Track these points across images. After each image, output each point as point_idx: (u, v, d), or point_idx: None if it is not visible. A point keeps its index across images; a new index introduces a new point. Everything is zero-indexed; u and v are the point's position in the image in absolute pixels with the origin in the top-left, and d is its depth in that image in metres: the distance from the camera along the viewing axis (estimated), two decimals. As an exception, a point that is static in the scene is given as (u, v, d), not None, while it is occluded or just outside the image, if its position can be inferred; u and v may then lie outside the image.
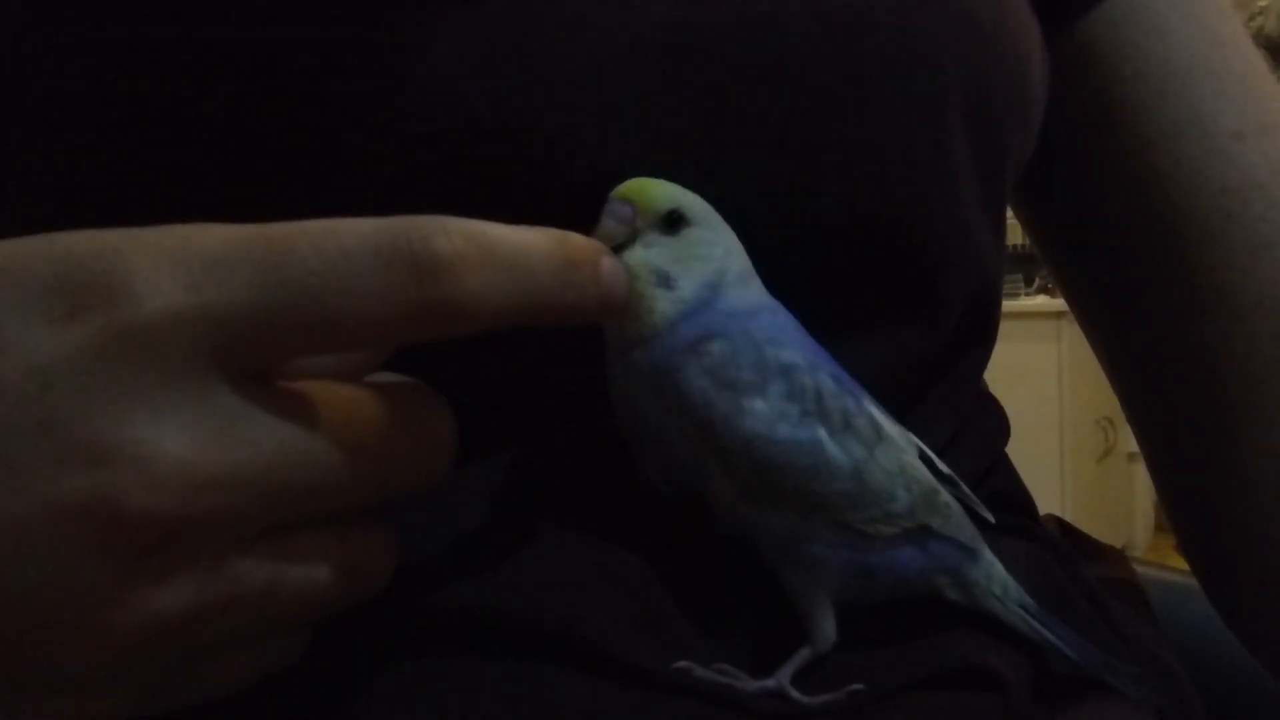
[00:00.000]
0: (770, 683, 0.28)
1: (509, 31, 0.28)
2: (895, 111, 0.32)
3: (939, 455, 0.31)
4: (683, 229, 0.28)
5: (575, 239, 0.25)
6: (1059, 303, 2.44)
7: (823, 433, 0.28)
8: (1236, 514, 0.41)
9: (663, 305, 0.28)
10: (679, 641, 0.28)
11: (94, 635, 0.21)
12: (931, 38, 0.32)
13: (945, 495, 0.30)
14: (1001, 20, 0.35)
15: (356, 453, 0.23)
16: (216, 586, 0.22)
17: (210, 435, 0.21)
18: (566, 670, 0.27)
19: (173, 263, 0.21)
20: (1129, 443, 2.78)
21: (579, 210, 0.27)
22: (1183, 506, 0.45)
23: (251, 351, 0.22)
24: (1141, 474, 2.86)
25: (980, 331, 0.39)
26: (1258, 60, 0.43)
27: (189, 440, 0.21)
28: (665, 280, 0.28)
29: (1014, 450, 0.43)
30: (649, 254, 0.28)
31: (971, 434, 0.38)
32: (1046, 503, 0.44)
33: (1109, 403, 2.17)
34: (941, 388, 0.37)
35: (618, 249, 0.28)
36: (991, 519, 0.32)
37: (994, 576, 0.31)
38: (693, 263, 0.28)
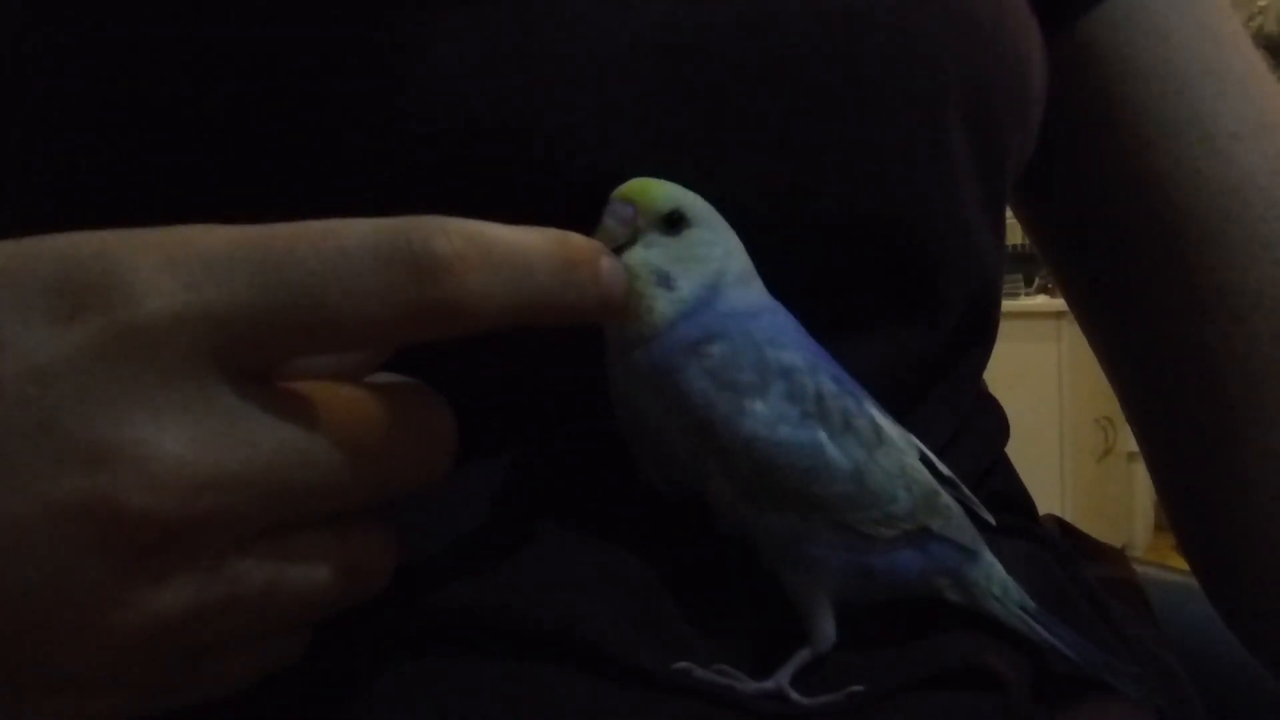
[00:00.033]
0: (769, 684, 0.28)
1: (509, 31, 0.28)
2: (895, 111, 0.32)
3: (939, 455, 0.31)
4: (683, 229, 0.28)
5: (575, 239, 0.25)
6: (1059, 303, 2.44)
7: (823, 434, 0.28)
8: (1236, 514, 0.41)
9: (662, 305, 0.28)
10: (679, 641, 0.28)
11: (94, 635, 0.21)
12: (931, 38, 0.32)
13: (945, 497, 0.30)
14: (1001, 20, 0.35)
15: (356, 453, 0.23)
16: (216, 586, 0.22)
17: (210, 435, 0.21)
18: (566, 670, 0.27)
19: (173, 263, 0.21)
20: (1129, 443, 2.78)
21: (579, 210, 0.27)
22: (1183, 506, 0.45)
23: (251, 351, 0.22)
24: (1141, 474, 2.85)
25: (980, 331, 0.39)
26: (1257, 60, 0.43)
27: (189, 440, 0.21)
28: (665, 280, 0.28)
29: (1014, 450, 0.43)
30: (649, 254, 0.28)
31: (971, 434, 0.38)
32: (1046, 503, 0.44)
33: (1109, 403, 2.16)
34: (941, 388, 0.37)
35: (618, 249, 0.28)
36: (992, 521, 0.32)
37: (994, 578, 0.31)
38: (693, 263, 0.28)
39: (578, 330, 0.26)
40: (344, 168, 0.29)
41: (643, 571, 0.29)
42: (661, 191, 0.28)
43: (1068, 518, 0.50)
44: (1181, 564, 0.48)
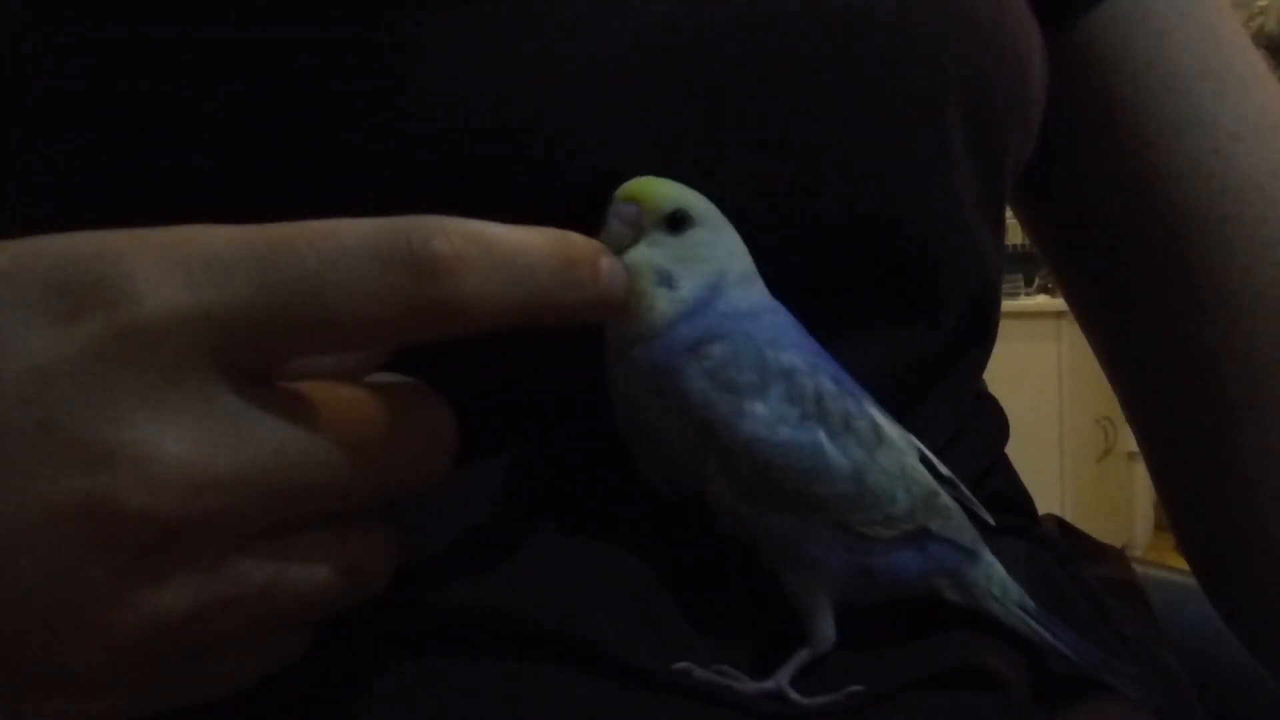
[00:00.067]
0: (769, 684, 0.28)
1: (509, 31, 0.28)
2: (895, 111, 0.32)
3: (938, 455, 0.31)
4: (686, 229, 0.28)
5: (574, 238, 0.25)
6: (1059, 303, 2.44)
7: (823, 435, 0.28)
8: (1236, 514, 0.41)
9: (663, 304, 0.28)
10: (679, 642, 0.28)
11: (94, 635, 0.21)
12: (931, 38, 0.32)
13: (945, 497, 0.30)
14: (1001, 20, 0.35)
15: (356, 453, 0.23)
16: (217, 586, 0.22)
17: (211, 435, 0.21)
18: (566, 670, 0.27)
19: (173, 263, 0.21)
20: (1129, 443, 2.78)
21: (579, 210, 0.27)
22: (1183, 506, 0.45)
23: (252, 352, 0.22)
24: (1141, 474, 2.85)
25: (980, 331, 0.39)
26: (1257, 60, 0.43)
27: (189, 440, 0.21)
28: (667, 279, 0.28)
29: (1014, 450, 0.43)
30: (652, 253, 0.28)
31: (971, 434, 0.38)
32: (1046, 503, 0.44)
33: (1109, 403, 2.16)
34: (941, 388, 0.37)
35: (620, 246, 0.28)
36: (991, 521, 0.32)
37: (993, 578, 0.31)
38: (695, 263, 0.28)
39: (578, 330, 0.26)
40: (344, 168, 0.29)
41: (643, 571, 0.29)
42: (665, 191, 0.28)
43: (1068, 518, 0.50)
44: (1181, 564, 0.48)
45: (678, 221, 0.28)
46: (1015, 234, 0.60)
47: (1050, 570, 0.37)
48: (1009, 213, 0.43)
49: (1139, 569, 0.50)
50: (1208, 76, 0.41)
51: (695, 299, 0.28)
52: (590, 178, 0.29)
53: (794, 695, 0.28)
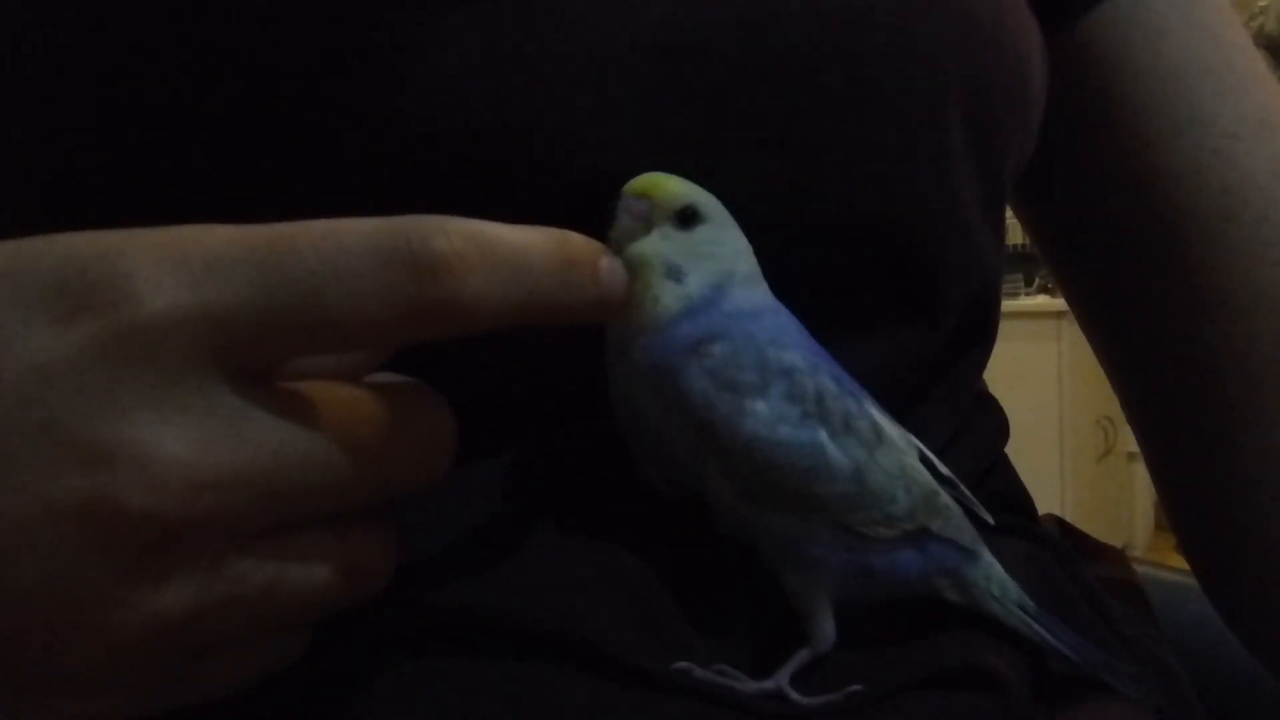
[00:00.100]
0: (769, 684, 0.28)
1: (509, 31, 0.28)
2: (895, 111, 0.32)
3: (938, 455, 0.31)
4: (696, 226, 0.28)
5: (574, 238, 0.25)
6: (1059, 303, 2.44)
7: (823, 434, 0.28)
8: (1236, 514, 0.41)
9: (669, 298, 0.28)
10: (679, 642, 0.28)
11: (94, 635, 0.21)
12: (931, 38, 0.32)
13: (945, 497, 0.30)
14: (1001, 20, 0.35)
15: (356, 453, 0.23)
16: (217, 586, 0.22)
17: (211, 435, 0.21)
18: (566, 670, 0.27)
19: (174, 263, 0.21)
20: (1129, 443, 2.78)
21: (579, 210, 0.27)
22: (1183, 506, 0.45)
23: (252, 351, 0.22)
24: (1141, 474, 2.85)
25: (980, 331, 0.39)
26: (1257, 60, 0.43)
27: (190, 440, 0.21)
28: (676, 273, 0.28)
29: (1014, 450, 0.43)
30: (662, 245, 0.28)
31: (971, 434, 0.38)
32: (1046, 503, 0.44)
33: (1109, 403, 2.16)
34: (941, 388, 0.37)
35: (630, 241, 0.28)
36: (991, 521, 0.32)
37: (993, 578, 0.31)
38: (703, 260, 0.28)
39: (578, 330, 0.26)
40: (344, 168, 0.29)
41: (643, 571, 0.29)
42: (676, 187, 0.28)
43: (1068, 518, 0.50)
44: (1181, 564, 0.48)
45: (688, 218, 0.28)
46: (1015, 234, 0.60)
47: (1050, 570, 0.37)
48: (1009, 213, 0.43)
49: (1139, 569, 0.50)
50: (1208, 76, 0.41)
51: (701, 296, 0.28)
52: (590, 178, 0.29)
53: (794, 695, 0.28)
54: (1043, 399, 2.72)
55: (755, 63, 0.30)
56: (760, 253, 0.30)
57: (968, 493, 0.31)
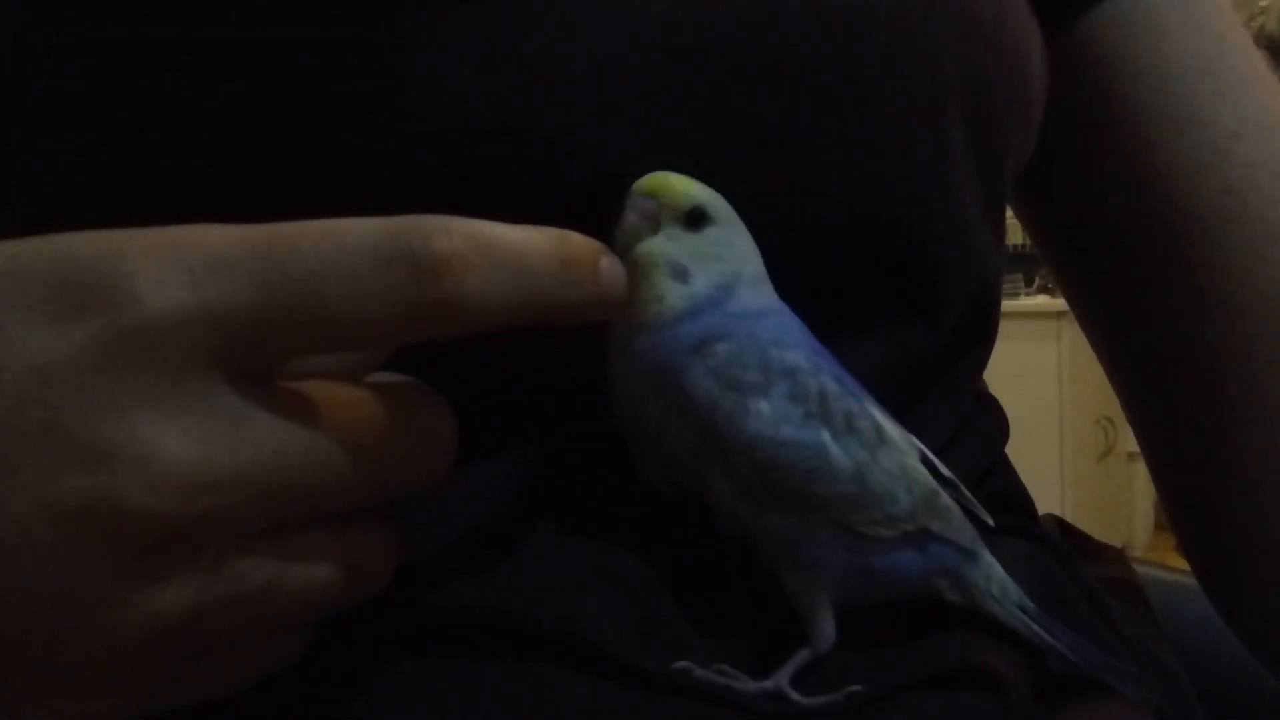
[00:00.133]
0: (769, 684, 0.28)
1: (509, 31, 0.28)
2: (895, 111, 0.32)
3: (939, 455, 0.31)
4: (704, 227, 0.28)
5: (574, 238, 0.25)
6: (1059, 303, 2.44)
7: (826, 435, 0.28)
8: (1236, 514, 0.41)
9: (673, 297, 0.28)
10: (679, 641, 0.28)
11: (95, 635, 0.21)
12: (931, 38, 0.32)
13: (945, 498, 0.30)
14: (1001, 20, 0.35)
15: (356, 453, 0.23)
16: (217, 586, 0.22)
17: (211, 435, 0.21)
18: (566, 670, 0.27)
19: (174, 263, 0.21)
20: (1129, 443, 2.78)
21: (579, 210, 0.27)
22: (1183, 506, 0.45)
23: (252, 351, 0.22)
24: (1141, 474, 2.86)
25: (980, 331, 0.39)
26: (1258, 60, 0.43)
27: (190, 440, 0.21)
28: (681, 273, 0.28)
29: (1014, 450, 0.43)
30: (669, 245, 0.28)
31: (971, 434, 0.38)
32: (1046, 503, 0.44)
33: (1109, 403, 2.17)
34: (941, 388, 0.37)
35: (637, 240, 0.28)
36: (991, 522, 0.32)
37: (993, 578, 0.31)
38: (710, 261, 0.28)
39: (578, 330, 0.26)
40: (344, 168, 0.29)
41: (643, 571, 0.29)
42: (685, 188, 0.28)
43: (1068, 518, 0.50)
44: (1181, 564, 0.48)
45: (696, 219, 0.28)
46: (1015, 234, 0.60)
47: (1050, 570, 0.37)
48: (1009, 213, 0.43)
49: (1139, 569, 0.50)
50: (1208, 76, 0.41)
51: (706, 296, 0.28)
52: (590, 178, 0.29)
53: (794, 695, 0.28)
54: (1043, 399, 2.72)
55: (755, 63, 0.30)
56: (760, 252, 0.30)
57: (968, 493, 0.31)
